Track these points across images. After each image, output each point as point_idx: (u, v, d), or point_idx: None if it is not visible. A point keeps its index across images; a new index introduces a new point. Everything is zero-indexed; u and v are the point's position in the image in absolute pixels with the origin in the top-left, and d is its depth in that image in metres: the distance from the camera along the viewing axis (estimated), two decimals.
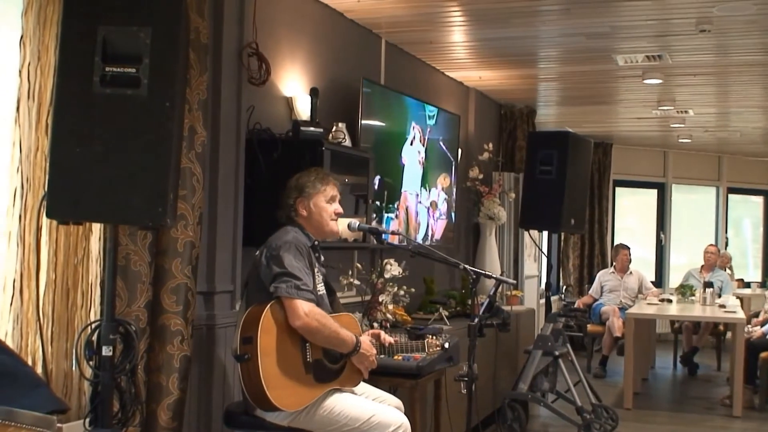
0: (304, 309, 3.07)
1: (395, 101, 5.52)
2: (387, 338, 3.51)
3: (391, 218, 5.24)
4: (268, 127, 4.19)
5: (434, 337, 3.70)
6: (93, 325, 2.80)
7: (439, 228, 6.15)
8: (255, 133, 4.11)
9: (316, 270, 3.27)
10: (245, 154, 4.01)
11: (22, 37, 2.92)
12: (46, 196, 2.61)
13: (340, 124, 4.60)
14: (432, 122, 5.97)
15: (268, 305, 3.08)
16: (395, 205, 5.34)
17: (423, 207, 5.84)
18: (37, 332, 2.94)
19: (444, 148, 6.23)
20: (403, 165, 5.49)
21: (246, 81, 4.02)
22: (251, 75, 4.06)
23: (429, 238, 5.94)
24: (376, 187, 5.00)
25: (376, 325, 4.68)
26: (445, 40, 5.75)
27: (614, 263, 8.91)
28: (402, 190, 5.47)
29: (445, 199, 6.28)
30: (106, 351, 2.72)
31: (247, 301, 3.25)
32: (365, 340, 3.32)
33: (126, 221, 2.71)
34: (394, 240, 4.82)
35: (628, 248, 8.94)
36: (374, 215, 4.92)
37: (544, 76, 6.94)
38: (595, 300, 8.91)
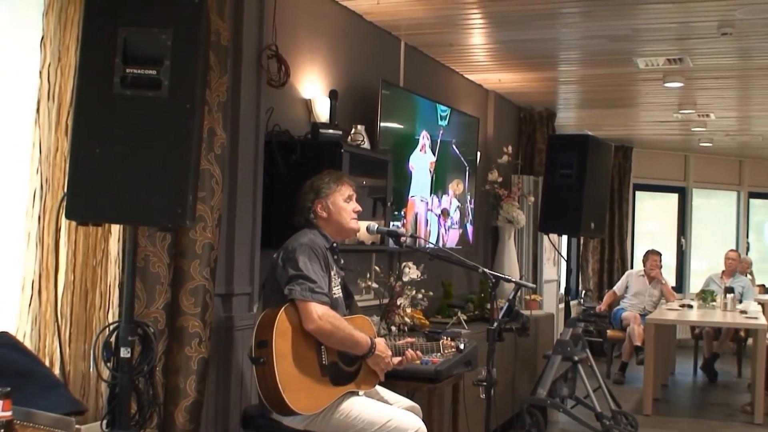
0: (318, 312, 3.07)
1: (410, 102, 5.50)
2: (411, 354, 3.45)
3: (397, 226, 5.22)
4: (287, 129, 4.19)
5: (450, 339, 3.69)
6: (111, 327, 2.81)
7: (451, 238, 6.11)
8: (274, 135, 4.11)
9: (333, 273, 3.26)
10: (264, 155, 4.01)
11: (42, 38, 2.94)
12: (65, 197, 2.62)
13: (359, 127, 4.59)
14: (444, 123, 5.94)
15: (283, 308, 3.08)
16: (401, 212, 5.32)
17: (433, 215, 5.82)
18: (55, 333, 2.95)
19: (457, 151, 6.20)
20: (411, 172, 5.46)
21: (265, 83, 4.02)
22: (271, 77, 4.06)
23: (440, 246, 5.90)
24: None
25: (394, 328, 4.67)
26: (464, 42, 5.74)
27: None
28: (409, 197, 5.45)
29: (458, 207, 6.24)
30: (124, 352, 2.72)
31: (264, 303, 3.25)
32: (380, 341, 3.31)
33: (145, 222, 2.71)
34: (406, 241, 4.81)
35: (659, 254, 8.85)
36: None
37: (565, 79, 6.91)
38: (617, 296, 8.84)
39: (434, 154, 5.80)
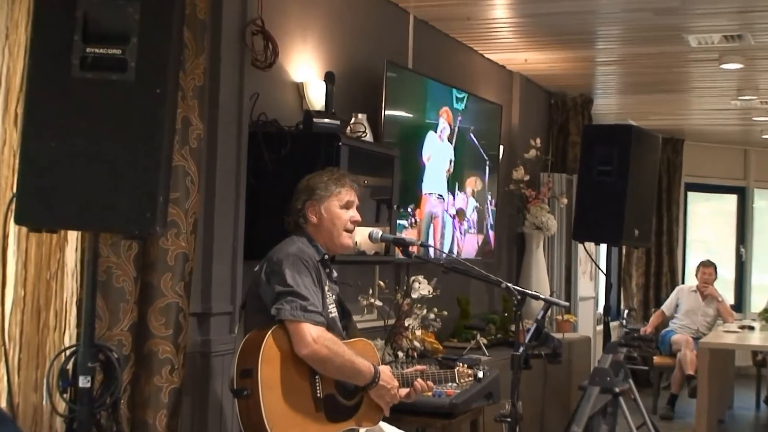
0: (312, 334, 3.07)
1: (420, 87, 5.52)
2: (421, 384, 3.46)
3: (404, 226, 5.21)
4: (275, 118, 4.21)
5: (467, 367, 3.69)
6: (68, 351, 2.81)
7: (468, 245, 6.12)
8: (260, 126, 4.12)
9: (326, 288, 3.27)
10: (248, 150, 4.02)
11: None
12: (14, 198, 2.63)
13: (360, 116, 4.60)
14: (460, 106, 5.94)
15: (270, 330, 3.08)
16: (410, 210, 5.31)
17: (448, 216, 5.84)
18: (2, 359, 2.96)
19: (475, 141, 6.21)
20: (424, 163, 5.47)
21: (249, 64, 4.04)
22: (256, 57, 4.08)
23: (455, 255, 5.89)
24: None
25: (401, 354, 4.67)
26: (485, 15, 5.75)
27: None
28: (421, 191, 5.44)
29: (476, 207, 6.25)
30: (83, 382, 2.73)
31: (245, 324, 3.26)
32: (385, 370, 3.31)
33: (108, 229, 2.72)
34: (417, 250, 4.82)
35: (713, 266, 8.84)
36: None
37: (603, 59, 6.91)
38: (665, 316, 8.84)
39: (451, 140, 5.81)
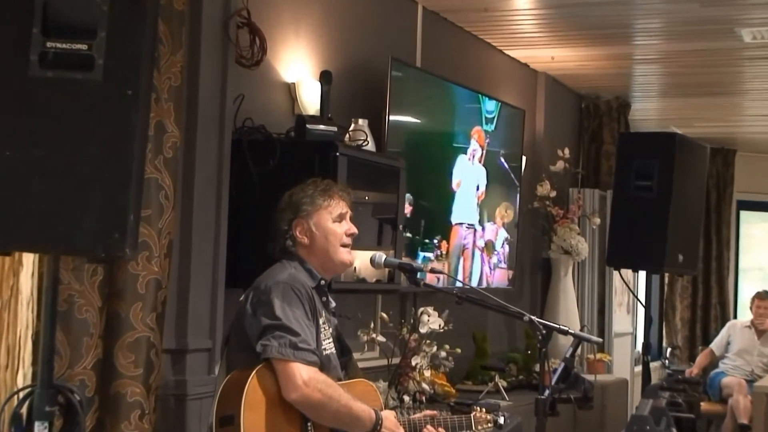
0: (303, 376, 3.07)
1: (437, 90, 5.54)
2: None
3: (429, 258, 5.23)
4: (263, 124, 4.23)
5: (485, 412, 3.69)
6: (22, 393, 2.81)
7: (497, 280, 6.18)
8: (245, 133, 4.14)
9: (321, 321, 3.27)
10: (231, 160, 4.04)
11: None
12: None
13: (360, 121, 4.63)
14: (490, 127, 5.98)
15: (254, 371, 3.08)
16: (436, 242, 5.34)
17: (477, 249, 5.91)
18: None
19: (506, 165, 6.23)
20: (454, 190, 5.47)
21: (233, 61, 4.06)
22: (241, 53, 4.10)
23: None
24: (407, 209, 5.02)
25: (407, 398, 4.67)
26: (505, 6, 5.78)
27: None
28: (451, 222, 5.45)
29: (506, 239, 6.28)
30: (39, 428, 2.73)
31: (228, 363, 3.26)
32: (389, 416, 3.31)
33: (70, 251, 2.72)
34: (433, 280, 4.83)
35: None
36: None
37: (642, 57, 6.94)
38: (715, 356, 8.81)
39: (481, 162, 5.84)
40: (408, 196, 5.03)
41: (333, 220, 3.35)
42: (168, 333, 3.70)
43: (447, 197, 5.46)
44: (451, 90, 5.74)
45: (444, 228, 5.42)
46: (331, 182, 3.47)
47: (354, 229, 3.39)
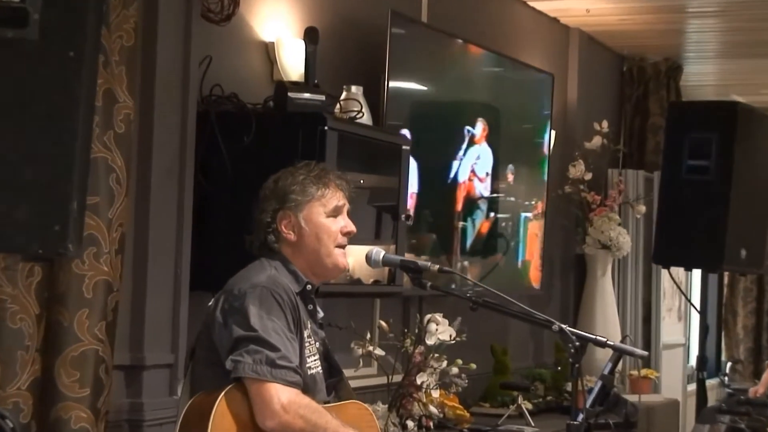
0: (282, 399, 3.06)
1: (447, 51, 5.53)
2: None
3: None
4: (235, 92, 4.22)
5: None
6: None
7: None
8: (213, 103, 4.13)
9: (306, 333, 3.26)
10: (197, 137, 4.04)
11: None
12: None
13: (353, 89, 4.62)
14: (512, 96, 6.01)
15: (223, 393, 3.07)
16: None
17: None
18: None
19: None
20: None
21: (199, 16, 4.06)
22: (208, 6, 4.09)
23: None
24: (411, 193, 5.01)
25: (411, 424, 4.67)
26: None
27: None
28: None
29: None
30: None
31: (192, 382, 3.25)
32: None
33: (1, 247, 2.72)
34: (431, 276, 4.82)
35: None
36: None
37: (697, 10, 6.92)
38: None
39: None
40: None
41: (327, 215, 3.33)
42: (120, 346, 3.70)
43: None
44: (465, 51, 5.71)
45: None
46: (327, 168, 3.44)
47: (352, 227, 3.37)
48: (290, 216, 3.32)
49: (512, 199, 6.43)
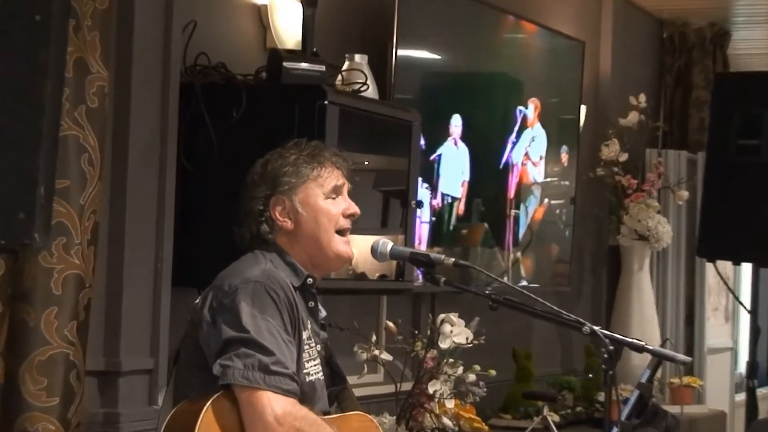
0: (276, 410, 3.06)
1: (463, 14, 5.52)
2: None
3: None
4: (223, 62, 4.22)
5: None
6: None
7: None
8: (198, 74, 4.13)
9: (306, 335, 3.26)
10: (180, 112, 4.04)
11: None
12: None
13: (357, 58, 4.62)
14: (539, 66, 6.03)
15: (209, 401, 3.08)
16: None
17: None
18: None
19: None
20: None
21: None
22: None
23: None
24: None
25: None
26: None
27: None
28: None
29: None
30: None
31: (175, 390, 3.26)
32: None
33: None
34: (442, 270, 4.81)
35: None
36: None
37: None
38: None
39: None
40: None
41: (325, 196, 3.31)
42: (94, 349, 3.71)
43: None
44: (483, 14, 5.70)
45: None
46: (320, 144, 3.43)
47: (355, 208, 3.35)
48: (284, 201, 3.30)
49: (566, 183, 6.48)
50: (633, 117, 7.12)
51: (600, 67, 7.30)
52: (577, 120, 6.59)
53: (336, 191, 3.34)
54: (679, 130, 8.07)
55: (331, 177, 3.33)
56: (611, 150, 7.00)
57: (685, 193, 7.50)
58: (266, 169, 3.33)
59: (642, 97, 7.18)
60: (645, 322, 7.08)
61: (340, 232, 3.33)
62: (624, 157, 7.03)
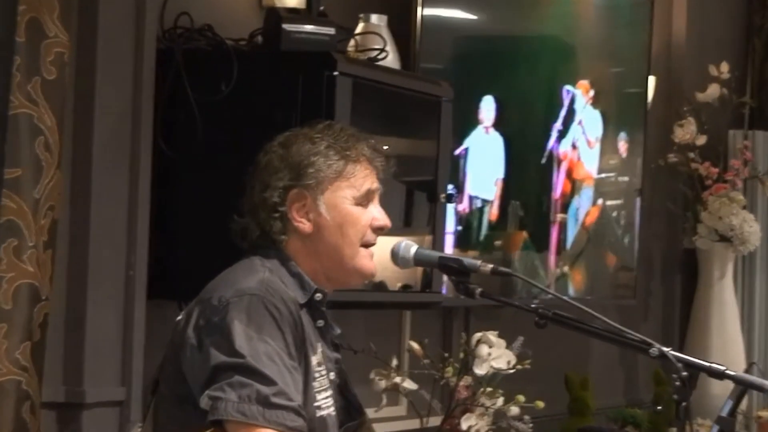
0: None
1: None
2: None
3: None
4: (209, 23, 4.23)
5: None
6: None
7: None
8: (179, 39, 4.15)
9: (315, 360, 3.25)
10: (157, 85, 4.05)
11: None
12: None
13: (374, 19, 4.62)
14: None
15: None
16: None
17: None
18: None
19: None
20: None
21: None
22: None
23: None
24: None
25: None
26: None
27: None
28: None
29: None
30: None
31: (154, 425, 3.27)
32: None
33: None
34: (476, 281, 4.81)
35: None
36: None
37: None
38: None
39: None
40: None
41: (356, 201, 3.30)
42: (52, 376, 3.71)
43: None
44: None
45: None
46: (357, 133, 3.38)
47: (386, 220, 3.30)
48: (306, 197, 3.27)
49: (626, 178, 6.48)
50: (713, 91, 7.10)
51: (673, 29, 7.28)
52: (644, 95, 6.58)
53: (369, 197, 3.31)
54: None
55: (367, 179, 3.30)
56: (686, 131, 6.98)
57: None
58: (289, 151, 3.27)
59: (724, 66, 7.17)
60: (727, 342, 7.07)
61: (366, 245, 3.31)
62: (702, 140, 7.02)
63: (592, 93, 6.08)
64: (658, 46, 6.83)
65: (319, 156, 3.25)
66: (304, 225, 3.25)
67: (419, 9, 4.94)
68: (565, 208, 6.04)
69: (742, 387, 3.37)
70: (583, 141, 6.14)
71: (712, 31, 7.64)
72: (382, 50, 4.52)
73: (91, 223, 3.87)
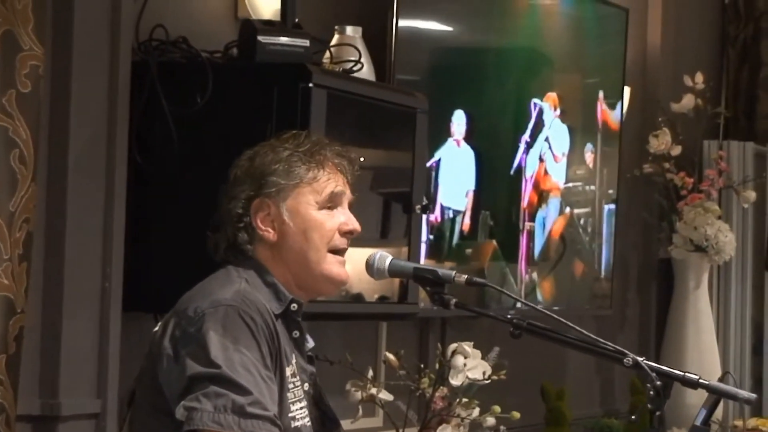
0: None
1: None
2: None
3: None
4: (184, 36, 4.23)
5: None
6: None
7: None
8: (154, 51, 4.15)
9: (290, 371, 3.26)
10: (132, 98, 4.05)
11: None
12: None
13: (349, 31, 4.63)
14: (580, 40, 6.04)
15: None
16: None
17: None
18: None
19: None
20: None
21: None
22: None
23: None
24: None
25: None
26: None
27: None
28: None
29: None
30: None
31: None
32: None
33: None
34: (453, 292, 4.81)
35: None
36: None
37: None
38: None
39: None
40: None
41: (320, 206, 3.29)
42: (27, 389, 3.71)
43: None
44: None
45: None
46: (323, 140, 3.40)
47: (354, 224, 3.31)
48: (269, 206, 3.28)
49: (592, 187, 6.50)
50: (688, 101, 7.12)
51: (648, 38, 7.30)
52: (618, 103, 6.59)
53: (333, 200, 3.31)
54: (745, 117, 8.06)
55: (330, 182, 3.30)
56: (661, 141, 7.00)
57: (752, 194, 7.50)
58: (252, 163, 3.29)
59: (699, 77, 7.18)
60: (703, 351, 7.08)
61: (335, 251, 3.32)
62: (677, 150, 7.04)
63: (559, 106, 6.08)
64: (633, 56, 6.85)
65: (281, 164, 3.26)
66: (269, 233, 3.26)
67: (394, 20, 4.94)
68: (532, 217, 6.05)
69: (716, 396, 3.39)
70: (549, 155, 6.15)
71: (687, 42, 7.66)
72: (357, 62, 4.53)
73: (67, 235, 3.87)
